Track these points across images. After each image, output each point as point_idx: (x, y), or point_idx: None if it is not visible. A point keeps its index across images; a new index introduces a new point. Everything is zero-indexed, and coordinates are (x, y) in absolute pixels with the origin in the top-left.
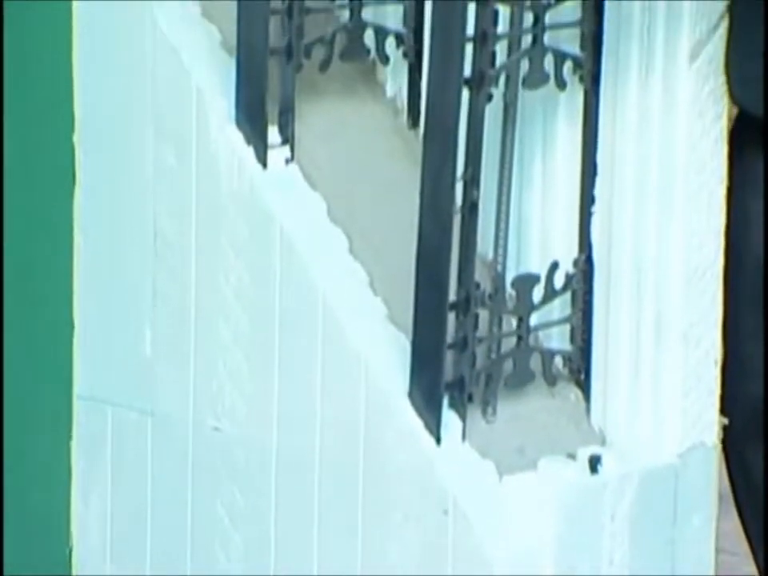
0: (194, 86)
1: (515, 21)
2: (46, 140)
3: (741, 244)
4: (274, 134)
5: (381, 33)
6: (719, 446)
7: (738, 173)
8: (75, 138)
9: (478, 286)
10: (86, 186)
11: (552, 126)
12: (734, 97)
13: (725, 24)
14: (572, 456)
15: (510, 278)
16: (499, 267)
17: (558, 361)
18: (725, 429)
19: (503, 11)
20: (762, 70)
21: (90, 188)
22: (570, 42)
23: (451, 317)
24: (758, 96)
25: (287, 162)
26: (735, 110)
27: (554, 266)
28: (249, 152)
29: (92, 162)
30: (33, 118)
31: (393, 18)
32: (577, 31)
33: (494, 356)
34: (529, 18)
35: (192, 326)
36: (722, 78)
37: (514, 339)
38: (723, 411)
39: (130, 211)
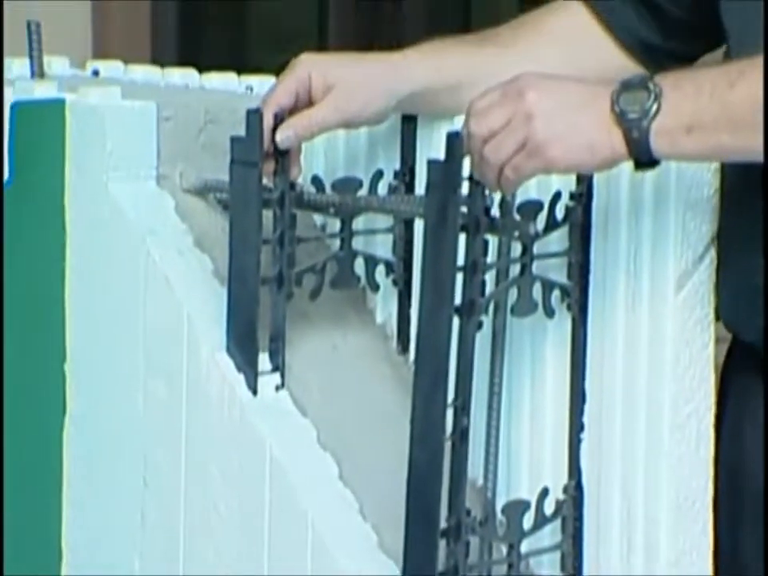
0: (186, 314)
1: (504, 251)
2: (37, 370)
3: (738, 472)
4: (264, 362)
5: (371, 261)
6: None
7: (731, 400)
8: (66, 368)
9: (468, 512)
10: (76, 416)
11: (540, 353)
12: (725, 322)
13: (710, 254)
14: None
15: (500, 504)
16: (489, 494)
17: None
18: None
19: (492, 241)
20: (754, 294)
21: (80, 418)
22: (557, 270)
23: (441, 544)
24: (749, 321)
25: (277, 388)
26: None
27: (544, 492)
28: (239, 379)
29: (83, 392)
30: (25, 346)
31: (382, 247)
32: (564, 260)
33: None
34: (517, 248)
35: (180, 554)
36: (708, 309)
37: (504, 566)
38: None
39: (120, 441)
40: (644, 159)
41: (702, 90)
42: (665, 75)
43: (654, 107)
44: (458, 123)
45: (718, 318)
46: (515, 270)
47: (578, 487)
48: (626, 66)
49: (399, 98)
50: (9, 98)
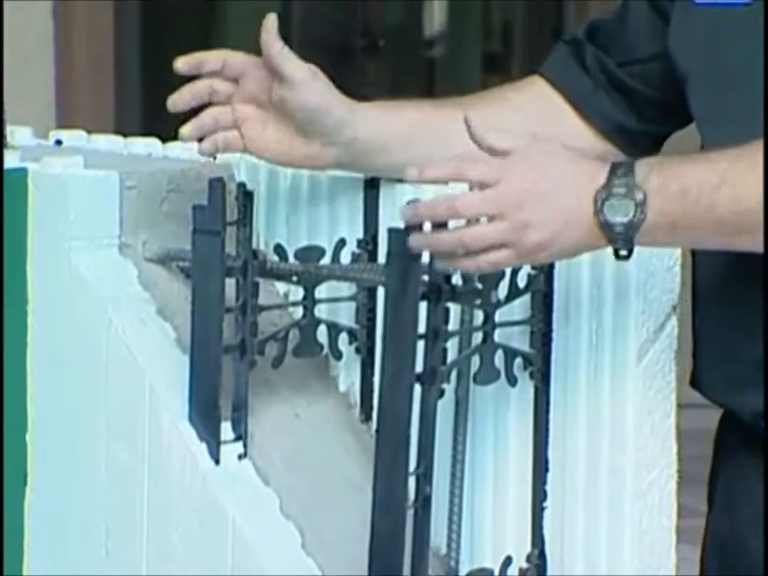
0: (148, 383)
1: (466, 318)
2: None
3: (730, 541)
4: (226, 431)
5: (334, 329)
6: None
7: (725, 472)
8: (28, 438)
9: None
10: (38, 485)
11: (503, 421)
12: (713, 400)
13: (672, 323)
14: None
15: (463, 572)
16: (452, 562)
17: None
18: None
19: (454, 309)
20: (746, 375)
21: (42, 488)
22: (519, 339)
23: None
24: (744, 402)
25: (240, 457)
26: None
27: (508, 560)
28: (201, 448)
29: (44, 463)
30: None
31: (345, 314)
32: (526, 329)
33: None
34: (479, 316)
35: None
36: (670, 377)
37: None
38: None
39: (81, 511)
40: (625, 255)
41: (688, 194)
42: (648, 174)
43: (640, 218)
44: (420, 192)
45: (692, 384)
46: (478, 337)
47: (541, 555)
48: (596, 144)
49: (351, 137)
50: None
